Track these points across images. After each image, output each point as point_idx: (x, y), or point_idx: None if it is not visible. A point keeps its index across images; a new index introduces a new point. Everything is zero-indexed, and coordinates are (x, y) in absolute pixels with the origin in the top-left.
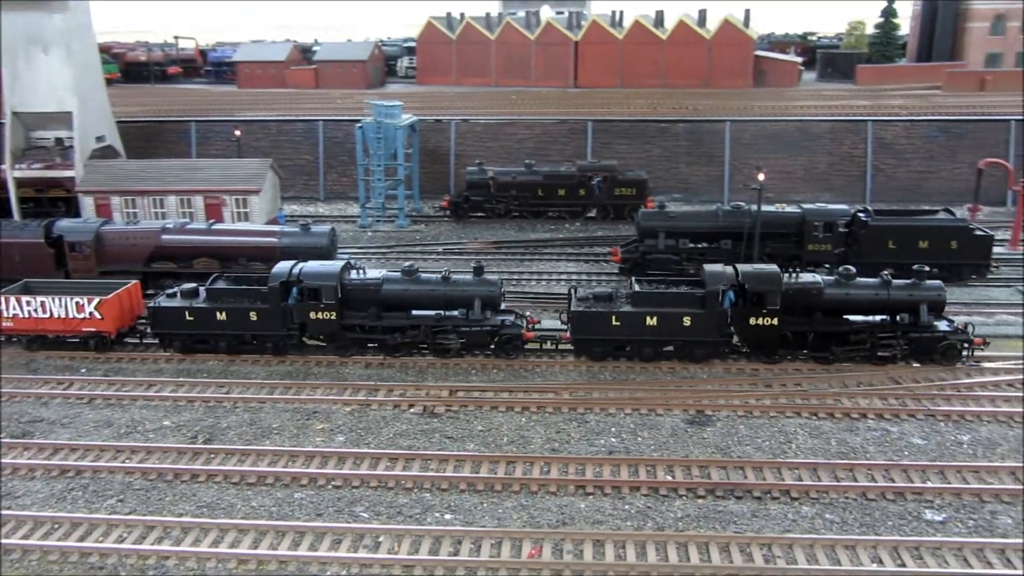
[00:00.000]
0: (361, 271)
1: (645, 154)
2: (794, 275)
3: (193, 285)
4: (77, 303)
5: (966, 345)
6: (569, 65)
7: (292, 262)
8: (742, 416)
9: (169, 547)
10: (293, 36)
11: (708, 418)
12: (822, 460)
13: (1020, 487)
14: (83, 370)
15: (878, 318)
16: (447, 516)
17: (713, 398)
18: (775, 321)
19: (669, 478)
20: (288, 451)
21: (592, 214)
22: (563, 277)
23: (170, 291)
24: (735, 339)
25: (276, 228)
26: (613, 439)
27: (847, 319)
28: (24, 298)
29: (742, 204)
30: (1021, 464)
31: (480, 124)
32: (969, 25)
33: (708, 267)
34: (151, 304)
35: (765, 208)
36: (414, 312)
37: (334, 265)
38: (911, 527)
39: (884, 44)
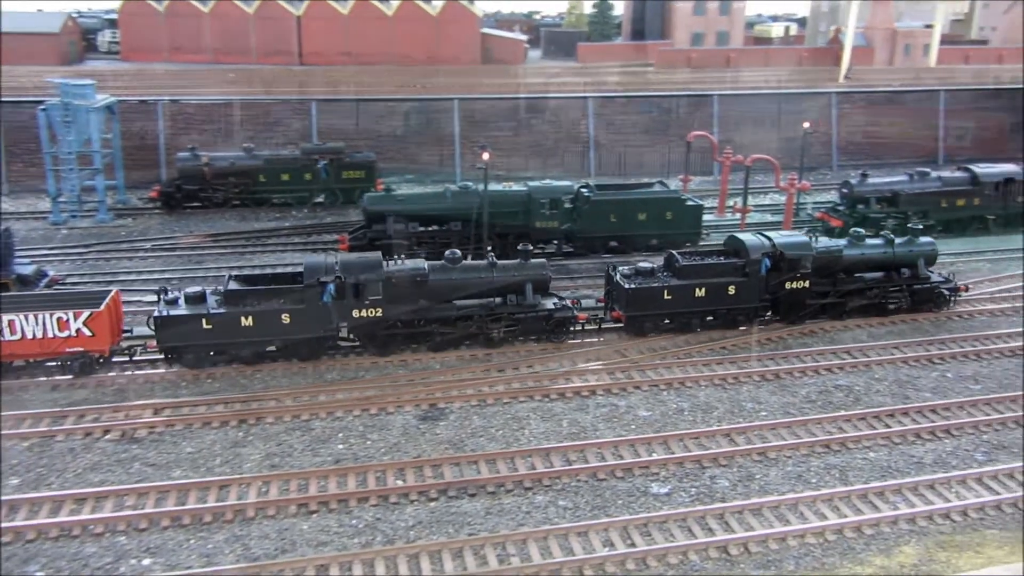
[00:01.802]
0: (399, 260)
1: (374, 134)
2: (817, 239)
3: (199, 289)
4: (59, 319)
5: (952, 292)
6: (293, 41)
7: (324, 254)
8: (476, 406)
9: None
10: None
11: (441, 411)
12: (554, 444)
13: (735, 448)
14: None
15: (880, 274)
16: (145, 561)
17: (446, 389)
18: (807, 284)
19: (400, 483)
20: None
21: (320, 199)
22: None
23: (169, 298)
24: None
25: None
26: (340, 446)
27: (861, 277)
28: None
29: (470, 184)
30: (735, 426)
31: (192, 105)
32: (675, 5)
33: (744, 237)
34: (155, 313)
35: (493, 187)
36: (462, 301)
37: (374, 256)
38: (639, 503)
39: (601, 24)
